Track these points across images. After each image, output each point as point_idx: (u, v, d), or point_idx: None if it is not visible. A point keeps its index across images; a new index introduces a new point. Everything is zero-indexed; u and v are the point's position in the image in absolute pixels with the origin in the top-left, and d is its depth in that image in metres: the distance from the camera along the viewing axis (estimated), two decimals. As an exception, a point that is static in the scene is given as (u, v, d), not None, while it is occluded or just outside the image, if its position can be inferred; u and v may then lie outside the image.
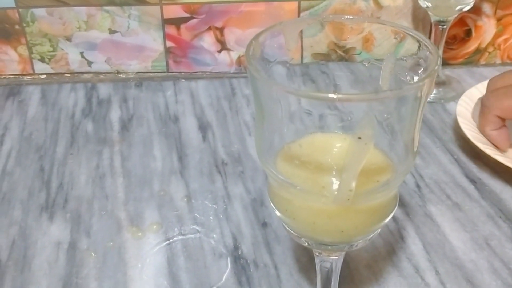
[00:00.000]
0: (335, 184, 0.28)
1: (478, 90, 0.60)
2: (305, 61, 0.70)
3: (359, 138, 0.25)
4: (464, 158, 0.56)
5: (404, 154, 0.29)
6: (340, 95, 0.24)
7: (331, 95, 0.24)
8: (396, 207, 0.31)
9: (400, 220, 0.48)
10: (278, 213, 0.31)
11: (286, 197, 0.30)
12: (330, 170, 0.29)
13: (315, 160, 0.30)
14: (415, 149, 0.29)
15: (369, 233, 0.31)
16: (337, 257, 0.34)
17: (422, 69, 0.28)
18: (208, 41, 0.69)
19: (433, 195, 0.51)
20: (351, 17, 0.32)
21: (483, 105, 0.54)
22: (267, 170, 0.30)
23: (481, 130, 0.54)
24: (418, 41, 0.29)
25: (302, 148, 0.30)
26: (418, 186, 0.52)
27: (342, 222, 0.29)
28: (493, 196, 0.51)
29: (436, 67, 0.26)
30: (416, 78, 0.29)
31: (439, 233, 0.47)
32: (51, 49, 0.69)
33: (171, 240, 0.47)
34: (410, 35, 0.29)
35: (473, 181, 0.53)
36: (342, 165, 0.27)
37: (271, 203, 0.31)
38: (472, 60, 0.73)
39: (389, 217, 0.31)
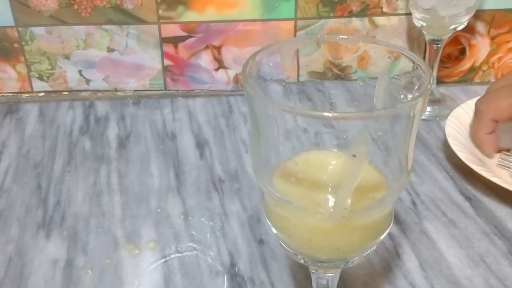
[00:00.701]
0: (331, 201, 0.29)
1: (463, 109, 0.60)
2: (301, 79, 0.71)
3: (354, 156, 0.25)
4: (459, 176, 0.56)
5: (399, 171, 0.29)
6: (335, 114, 0.24)
7: (326, 113, 0.24)
8: (392, 224, 0.31)
9: (396, 237, 0.49)
10: (274, 230, 0.31)
11: (282, 214, 0.30)
12: (326, 187, 0.30)
13: (311, 177, 0.31)
14: (409, 167, 0.29)
15: (365, 249, 0.31)
16: (333, 274, 0.34)
17: (416, 87, 0.28)
18: (205, 59, 0.70)
19: (428, 212, 0.51)
20: (346, 36, 0.33)
21: (477, 110, 0.55)
22: (263, 187, 0.30)
23: (475, 134, 0.55)
24: (412, 61, 0.29)
25: (298, 166, 0.31)
26: (414, 203, 0.52)
27: (338, 239, 0.29)
28: (488, 213, 0.51)
29: (429, 86, 0.26)
30: (410, 97, 0.30)
31: (435, 250, 0.47)
32: (50, 67, 0.69)
33: (167, 258, 0.47)
34: (403, 54, 0.30)
35: (468, 198, 0.53)
36: (337, 182, 0.27)
37: (268, 220, 0.32)
38: (466, 79, 0.73)
39: (385, 234, 0.31)
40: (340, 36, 0.33)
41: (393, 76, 0.29)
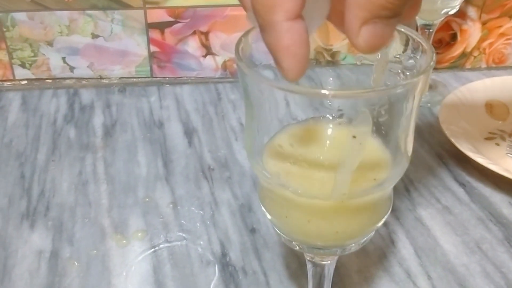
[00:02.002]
0: (329, 182, 0.27)
1: (456, 96, 0.60)
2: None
3: (354, 137, 0.24)
4: (452, 162, 0.55)
5: (399, 155, 0.28)
6: (333, 91, 0.23)
7: (324, 91, 0.23)
8: (391, 209, 0.30)
9: (391, 224, 0.48)
10: (269, 216, 0.30)
11: (278, 197, 0.29)
12: (324, 166, 0.28)
13: (307, 156, 0.29)
14: (409, 150, 0.28)
15: (363, 235, 0.30)
16: (329, 261, 0.33)
17: (416, 67, 0.27)
18: (193, 45, 0.68)
19: (422, 199, 0.50)
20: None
21: None
22: (257, 172, 0.29)
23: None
24: (412, 38, 0.28)
25: (292, 147, 0.29)
26: (407, 190, 0.52)
27: (337, 222, 0.28)
28: (482, 200, 0.50)
29: (431, 63, 0.25)
30: (408, 74, 0.29)
31: (430, 237, 0.46)
32: (32, 54, 0.67)
33: (156, 248, 0.45)
34: (402, 31, 0.29)
35: (462, 184, 0.52)
36: (336, 161, 0.26)
37: (262, 206, 0.30)
38: (457, 64, 0.73)
39: (384, 219, 0.30)
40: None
41: (393, 56, 0.28)
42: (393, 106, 0.25)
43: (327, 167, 0.27)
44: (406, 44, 0.29)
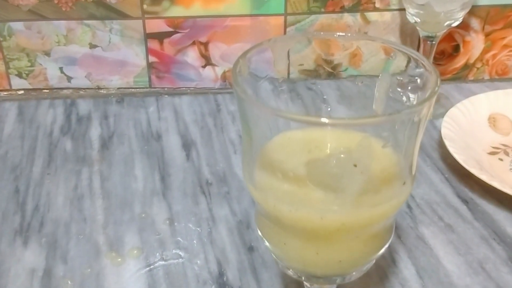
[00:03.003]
0: (330, 207, 0.26)
1: (459, 109, 0.59)
2: (291, 77, 0.69)
3: (355, 165, 0.23)
4: (454, 177, 0.54)
5: (404, 180, 0.27)
6: (332, 120, 0.22)
7: (323, 120, 0.22)
8: (393, 235, 0.29)
9: (392, 243, 0.46)
10: (266, 243, 0.29)
11: (274, 222, 0.27)
12: (323, 190, 0.27)
13: (305, 179, 0.28)
14: (413, 174, 0.27)
15: (366, 263, 0.29)
16: (329, 286, 0.32)
17: (420, 89, 0.26)
18: (192, 56, 0.67)
19: (425, 216, 0.49)
20: (343, 34, 0.31)
21: None
22: (251, 191, 0.28)
23: None
24: (415, 60, 0.27)
25: (291, 170, 0.28)
26: (409, 206, 0.50)
27: (338, 250, 0.27)
28: (486, 217, 0.49)
29: (436, 88, 0.24)
30: (412, 98, 0.28)
31: (432, 256, 0.45)
32: (29, 64, 0.66)
33: (152, 266, 0.44)
34: (405, 53, 0.28)
35: (465, 201, 0.51)
36: (336, 187, 0.25)
37: (259, 232, 0.29)
38: (460, 76, 0.72)
39: (387, 244, 0.29)
40: (337, 34, 0.31)
41: (395, 77, 0.27)
42: (397, 133, 0.24)
43: (326, 192, 0.26)
44: (409, 66, 0.28)
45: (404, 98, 0.27)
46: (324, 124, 0.22)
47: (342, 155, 0.24)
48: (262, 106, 0.25)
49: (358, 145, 0.23)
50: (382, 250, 0.29)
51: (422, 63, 0.26)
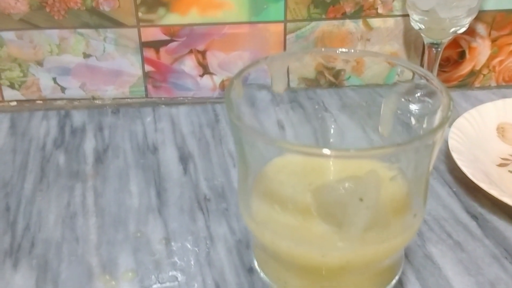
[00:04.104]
0: (332, 243, 0.24)
1: (466, 119, 0.56)
2: (291, 85, 0.67)
3: (361, 199, 0.21)
4: (462, 191, 0.52)
5: (413, 212, 0.25)
6: (335, 151, 0.20)
7: (325, 151, 0.20)
8: (401, 269, 0.27)
9: (398, 262, 0.44)
10: (265, 277, 0.27)
11: (274, 258, 0.25)
12: (327, 222, 0.25)
13: (306, 211, 0.26)
14: (424, 205, 0.25)
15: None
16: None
17: (429, 110, 0.24)
18: (189, 65, 0.65)
19: (432, 234, 0.47)
20: (345, 50, 0.28)
21: None
22: (248, 223, 0.26)
23: None
24: (425, 78, 0.25)
25: (290, 200, 0.26)
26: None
27: (339, 287, 0.25)
28: (497, 234, 0.47)
29: (449, 113, 0.22)
30: (415, 109, 0.26)
31: (441, 277, 0.43)
32: (21, 74, 0.64)
33: (147, 290, 0.42)
34: (413, 71, 0.26)
35: (474, 217, 0.49)
36: (340, 222, 0.23)
37: (257, 266, 0.27)
38: (466, 83, 0.69)
39: (396, 278, 0.27)
40: (339, 50, 0.29)
41: (402, 98, 0.25)
42: (407, 161, 0.22)
43: (329, 227, 0.24)
44: (413, 78, 0.26)
45: (413, 120, 0.25)
46: (326, 156, 0.20)
47: (347, 187, 0.22)
48: (258, 134, 0.23)
49: (364, 178, 0.21)
50: (392, 284, 0.27)
51: (432, 82, 0.24)
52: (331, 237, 0.23)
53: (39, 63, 0.64)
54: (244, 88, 0.29)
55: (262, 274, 0.27)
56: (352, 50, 0.30)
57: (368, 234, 0.23)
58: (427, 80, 0.25)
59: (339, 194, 0.22)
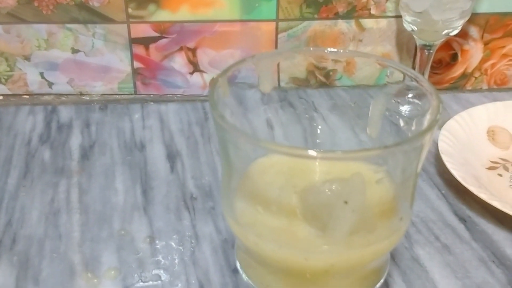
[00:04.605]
0: (316, 246, 0.24)
1: (457, 121, 0.56)
2: (282, 85, 0.66)
3: (345, 202, 0.20)
4: (451, 193, 0.52)
5: (400, 216, 0.24)
6: (321, 153, 0.19)
7: (311, 152, 0.19)
8: (386, 273, 0.27)
9: (385, 265, 0.44)
10: (251, 283, 0.26)
11: (257, 260, 0.25)
12: (311, 225, 0.25)
13: (290, 213, 0.25)
14: (411, 208, 0.25)
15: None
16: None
17: (418, 112, 0.24)
18: (179, 62, 0.65)
19: (420, 236, 0.47)
20: (334, 50, 0.28)
21: None
22: (231, 224, 0.25)
23: None
24: (415, 80, 0.24)
25: (273, 202, 0.26)
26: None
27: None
28: (485, 238, 0.47)
29: (438, 116, 0.22)
30: (405, 110, 0.25)
31: (428, 280, 0.43)
32: (8, 69, 0.63)
33: (130, 289, 0.41)
34: (403, 73, 0.25)
35: (462, 219, 0.49)
36: (325, 225, 0.22)
37: (243, 273, 0.26)
38: (457, 85, 0.69)
39: (381, 281, 0.26)
40: (328, 49, 0.28)
41: (392, 99, 0.25)
42: (394, 164, 0.21)
43: (313, 230, 0.23)
44: (404, 79, 0.26)
45: (401, 122, 0.25)
46: (312, 157, 0.19)
47: (332, 189, 0.21)
48: (241, 133, 0.22)
49: (350, 180, 0.20)
50: (377, 287, 0.26)
51: (421, 83, 0.24)
52: (315, 240, 0.22)
53: (27, 58, 0.63)
54: (231, 87, 0.28)
55: (244, 276, 0.26)
56: (341, 50, 0.29)
57: (353, 237, 0.22)
58: (417, 81, 0.24)
59: (324, 196, 0.21)
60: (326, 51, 0.29)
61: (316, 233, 0.22)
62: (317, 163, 0.25)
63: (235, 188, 0.25)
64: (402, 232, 0.25)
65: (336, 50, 0.28)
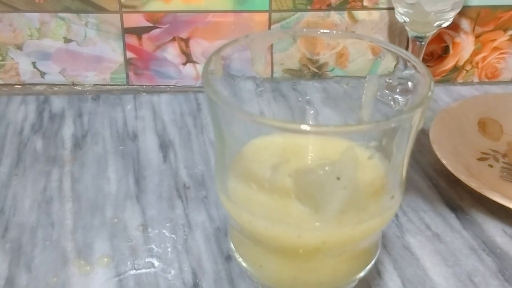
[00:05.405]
0: (309, 223, 0.24)
1: (448, 113, 0.57)
2: (275, 76, 0.66)
3: (338, 178, 0.20)
4: (443, 184, 0.52)
5: (391, 193, 0.25)
6: (314, 127, 0.20)
7: (303, 127, 0.19)
8: (379, 249, 0.27)
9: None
10: (244, 264, 0.26)
11: (251, 240, 0.25)
12: (304, 202, 0.25)
13: (283, 191, 0.25)
14: (402, 186, 0.25)
15: (350, 283, 0.26)
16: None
17: (410, 93, 0.24)
18: (172, 52, 0.64)
19: (411, 225, 0.47)
20: (327, 31, 0.28)
21: None
22: (224, 203, 0.26)
23: None
24: (406, 60, 0.24)
25: (267, 178, 0.26)
26: (395, 214, 0.48)
27: (319, 272, 0.25)
28: (475, 227, 0.47)
29: (430, 92, 0.22)
30: (402, 101, 0.26)
31: (419, 268, 0.43)
32: (0, 58, 0.63)
33: (122, 276, 0.42)
34: (394, 53, 0.25)
35: (453, 209, 0.49)
36: (317, 202, 0.22)
37: (236, 254, 0.27)
38: (449, 78, 0.70)
39: (372, 263, 0.26)
40: (321, 30, 0.28)
41: (384, 80, 0.25)
42: (385, 141, 0.22)
43: (306, 207, 0.23)
44: (398, 66, 0.26)
45: (392, 103, 0.25)
46: (304, 132, 0.19)
47: (324, 166, 0.21)
48: (235, 109, 0.22)
49: (342, 156, 0.20)
50: (368, 267, 0.26)
51: (413, 64, 0.24)
52: (307, 217, 0.22)
53: (19, 47, 0.63)
54: (224, 69, 0.29)
55: (237, 256, 0.27)
56: (334, 32, 0.29)
57: (345, 215, 0.22)
58: (407, 61, 0.24)
59: (317, 174, 0.21)
60: (318, 32, 0.29)
61: (308, 211, 0.22)
62: (310, 142, 0.25)
63: (228, 166, 0.25)
64: (394, 211, 0.25)
65: (328, 31, 0.28)
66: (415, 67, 0.24)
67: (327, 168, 0.22)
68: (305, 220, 0.22)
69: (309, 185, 0.22)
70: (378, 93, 0.24)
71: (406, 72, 0.24)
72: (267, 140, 0.25)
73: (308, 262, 0.24)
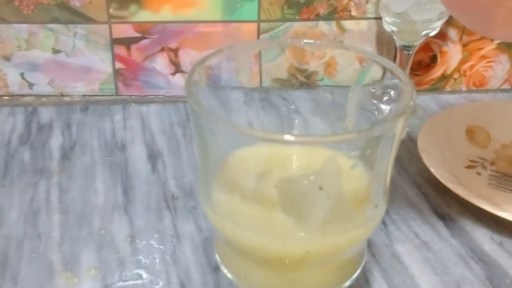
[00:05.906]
0: (292, 233, 0.24)
1: (436, 122, 0.57)
2: (264, 85, 0.66)
3: (320, 188, 0.20)
4: (431, 192, 0.52)
5: (375, 202, 0.25)
6: (296, 138, 0.20)
7: (286, 137, 0.19)
8: (364, 259, 0.27)
9: (365, 261, 0.44)
10: (229, 275, 0.26)
11: (236, 250, 0.25)
12: (287, 212, 0.25)
13: (266, 201, 0.25)
14: (386, 195, 0.25)
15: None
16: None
17: (394, 102, 0.24)
18: (161, 62, 0.65)
19: (400, 233, 0.47)
20: (312, 41, 0.28)
21: None
22: (208, 214, 0.25)
23: None
24: (389, 71, 0.25)
25: (250, 189, 0.26)
26: (384, 222, 0.48)
27: (304, 282, 0.25)
28: (463, 234, 0.47)
29: (411, 102, 0.22)
30: (386, 109, 0.26)
31: (407, 276, 0.43)
32: (-12, 69, 0.63)
33: (110, 288, 0.41)
34: (380, 63, 0.25)
35: (442, 217, 0.49)
36: (300, 213, 0.22)
37: (221, 265, 0.27)
38: (437, 87, 0.70)
39: (358, 272, 0.26)
40: (305, 41, 0.28)
41: (368, 89, 0.25)
42: (368, 150, 0.22)
43: (289, 217, 0.23)
44: (383, 77, 0.26)
45: (376, 112, 0.25)
46: (286, 142, 0.19)
47: (308, 176, 0.21)
48: (218, 119, 0.22)
49: (324, 165, 0.20)
50: (354, 277, 0.26)
51: (396, 74, 0.24)
52: (291, 227, 0.22)
53: (7, 58, 0.63)
54: (209, 79, 0.29)
55: (222, 267, 0.26)
56: (318, 42, 0.29)
57: (329, 224, 0.22)
58: (391, 71, 0.24)
59: (301, 183, 0.21)
60: (302, 42, 0.29)
61: (292, 220, 0.22)
62: (294, 153, 0.25)
63: (212, 177, 0.25)
64: (377, 220, 0.25)
65: (312, 41, 0.28)
66: (398, 76, 0.24)
67: (311, 178, 0.22)
68: (289, 230, 0.22)
69: (293, 194, 0.22)
70: (363, 103, 0.25)
71: (392, 81, 0.24)
72: (251, 150, 0.25)
73: (293, 272, 0.23)
